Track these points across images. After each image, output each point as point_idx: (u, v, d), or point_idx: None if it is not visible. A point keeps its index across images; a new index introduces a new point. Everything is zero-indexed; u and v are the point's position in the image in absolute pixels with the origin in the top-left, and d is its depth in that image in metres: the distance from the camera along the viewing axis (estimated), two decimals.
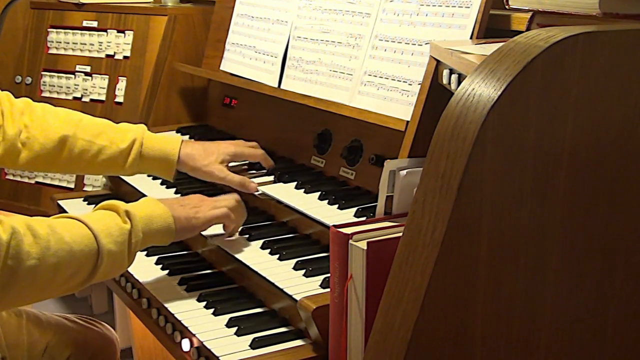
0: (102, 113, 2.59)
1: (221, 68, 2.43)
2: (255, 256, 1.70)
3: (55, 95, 2.69)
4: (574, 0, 1.37)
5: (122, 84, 2.58)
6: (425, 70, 1.65)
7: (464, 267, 1.06)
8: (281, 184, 1.93)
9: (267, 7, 2.28)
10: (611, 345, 1.21)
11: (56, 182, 2.60)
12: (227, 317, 1.59)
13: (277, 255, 1.68)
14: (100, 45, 2.64)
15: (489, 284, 1.08)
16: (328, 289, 1.46)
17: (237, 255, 1.71)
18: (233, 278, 1.77)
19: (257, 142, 2.06)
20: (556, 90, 1.08)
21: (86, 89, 2.64)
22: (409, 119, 1.67)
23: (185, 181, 2.08)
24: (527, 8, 1.53)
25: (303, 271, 1.60)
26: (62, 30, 2.72)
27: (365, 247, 1.29)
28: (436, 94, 1.61)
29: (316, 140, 2.00)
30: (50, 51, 2.73)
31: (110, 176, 2.30)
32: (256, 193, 1.90)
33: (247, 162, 2.03)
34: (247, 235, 1.77)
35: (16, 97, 1.97)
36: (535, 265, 1.11)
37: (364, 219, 1.60)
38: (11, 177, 2.68)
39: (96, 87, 2.63)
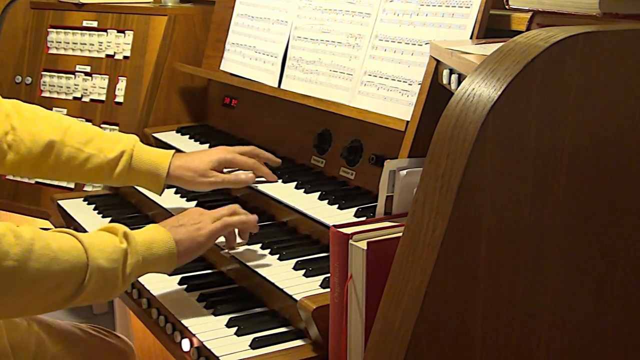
0: (102, 113, 2.59)
1: (221, 68, 2.43)
2: (255, 256, 1.70)
3: (55, 95, 2.69)
4: (574, 0, 1.37)
5: (122, 84, 2.58)
6: (425, 70, 1.65)
7: (464, 267, 1.06)
8: (281, 184, 1.93)
9: (267, 7, 2.28)
10: (611, 345, 1.21)
11: (56, 182, 2.59)
12: (227, 317, 1.59)
13: (277, 255, 1.68)
14: (100, 45, 2.64)
15: (489, 284, 1.08)
16: (328, 289, 1.46)
17: (237, 256, 1.71)
18: (233, 278, 1.77)
19: (254, 147, 2.00)
20: (556, 90, 1.08)
21: (86, 89, 2.64)
22: (409, 119, 1.67)
23: None
24: (527, 8, 1.53)
25: (303, 271, 1.60)
26: (62, 30, 2.72)
27: (365, 247, 1.29)
28: (436, 94, 1.61)
29: (316, 140, 2.00)
30: (50, 51, 2.73)
31: None
32: (256, 186, 1.89)
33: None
34: None
35: (16, 98, 1.95)
36: (535, 265, 1.11)
37: (364, 219, 1.60)
38: (11, 177, 2.67)
39: (96, 87, 2.63)
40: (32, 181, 2.64)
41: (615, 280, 1.19)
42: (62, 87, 2.69)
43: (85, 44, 2.67)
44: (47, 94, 2.70)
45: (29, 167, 1.89)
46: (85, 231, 2.01)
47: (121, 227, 1.51)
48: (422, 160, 1.13)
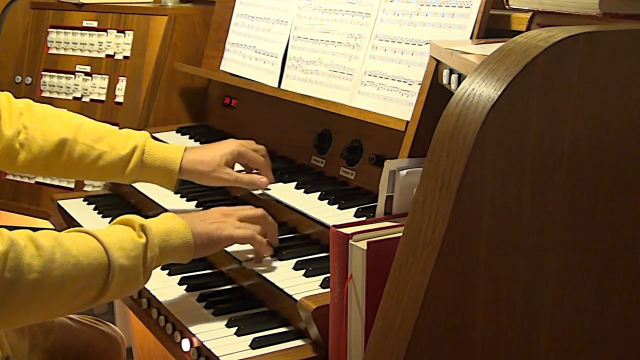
0: (102, 113, 2.59)
1: (221, 68, 2.43)
2: None
3: (55, 95, 2.69)
4: (574, 0, 1.37)
5: (122, 84, 2.58)
6: (425, 70, 1.65)
7: (463, 266, 1.06)
8: (281, 184, 1.93)
9: (267, 7, 2.28)
10: (611, 345, 1.21)
11: (56, 182, 2.60)
12: (227, 317, 1.59)
13: (277, 256, 1.68)
14: (100, 45, 2.64)
15: (489, 284, 1.08)
16: (328, 289, 1.46)
17: (237, 256, 1.71)
18: (233, 278, 1.77)
19: (264, 147, 1.98)
20: (556, 90, 1.08)
21: (86, 89, 2.64)
22: (409, 119, 1.67)
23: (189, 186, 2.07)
24: (527, 8, 1.53)
25: (303, 271, 1.60)
26: (62, 30, 2.72)
27: (365, 247, 1.29)
28: (436, 94, 1.61)
29: (316, 140, 2.00)
30: (50, 51, 2.73)
31: None
32: (256, 192, 1.90)
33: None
34: None
35: (16, 97, 1.96)
36: (535, 265, 1.11)
37: (364, 219, 1.60)
38: (11, 177, 2.68)
39: (96, 87, 2.63)
40: (32, 181, 2.64)
41: (615, 280, 1.19)
42: (62, 87, 2.69)
43: (85, 44, 2.67)
44: (47, 94, 2.70)
45: (41, 166, 1.90)
46: None
47: (137, 219, 1.50)
48: (422, 160, 1.13)
